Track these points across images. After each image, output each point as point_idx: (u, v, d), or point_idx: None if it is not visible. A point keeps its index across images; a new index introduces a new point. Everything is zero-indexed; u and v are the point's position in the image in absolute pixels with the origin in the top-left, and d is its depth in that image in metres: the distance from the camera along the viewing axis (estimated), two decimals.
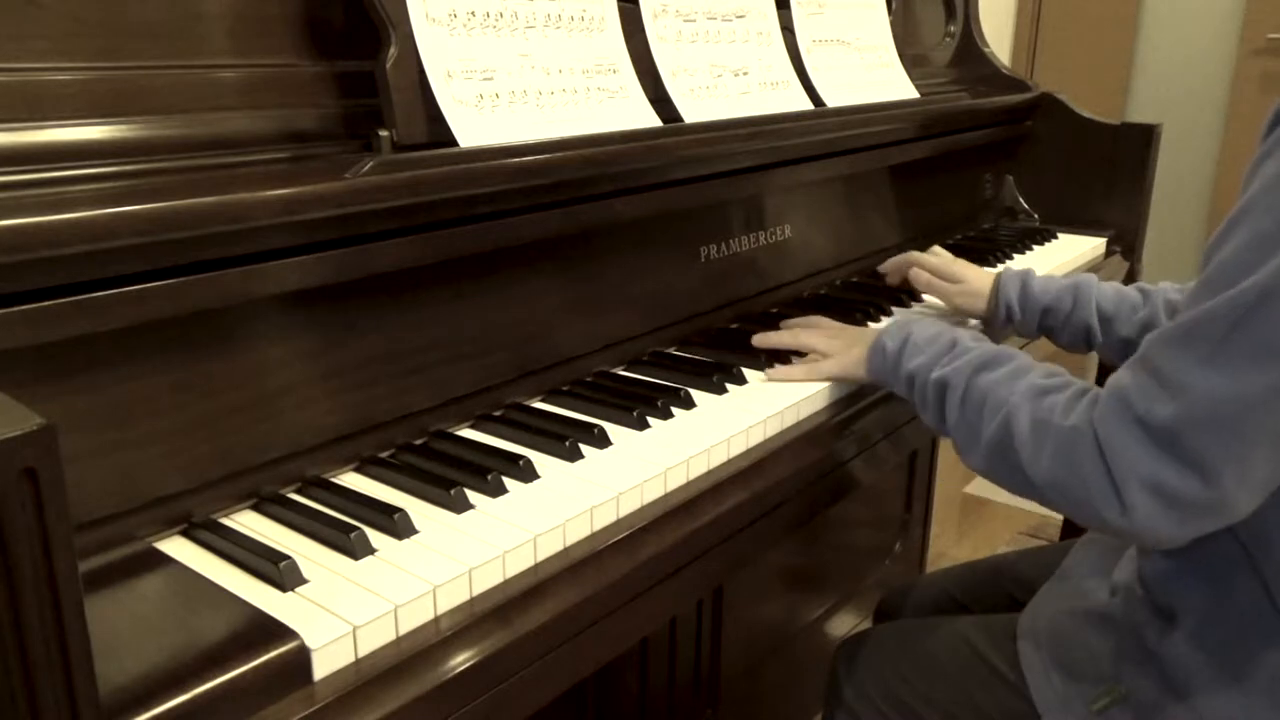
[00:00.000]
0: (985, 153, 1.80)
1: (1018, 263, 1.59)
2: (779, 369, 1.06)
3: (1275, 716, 0.80)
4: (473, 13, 0.93)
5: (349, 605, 0.64)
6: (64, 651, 0.48)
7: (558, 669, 0.73)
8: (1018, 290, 1.21)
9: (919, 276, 1.31)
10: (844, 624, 1.88)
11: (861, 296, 1.37)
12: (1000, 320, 1.23)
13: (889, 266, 1.39)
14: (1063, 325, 1.18)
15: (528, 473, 0.83)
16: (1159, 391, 0.71)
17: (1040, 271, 1.24)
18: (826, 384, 1.05)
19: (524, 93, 0.97)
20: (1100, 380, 1.80)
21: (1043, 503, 0.81)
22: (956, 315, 1.30)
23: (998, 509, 2.69)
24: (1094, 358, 1.84)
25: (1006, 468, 0.83)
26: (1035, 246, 1.69)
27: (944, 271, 1.29)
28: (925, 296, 1.37)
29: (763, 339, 1.12)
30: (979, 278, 1.26)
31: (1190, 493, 0.71)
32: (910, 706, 1.01)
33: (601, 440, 0.89)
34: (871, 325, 1.19)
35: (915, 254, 1.34)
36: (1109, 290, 1.17)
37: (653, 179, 1.06)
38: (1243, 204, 0.71)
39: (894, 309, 1.32)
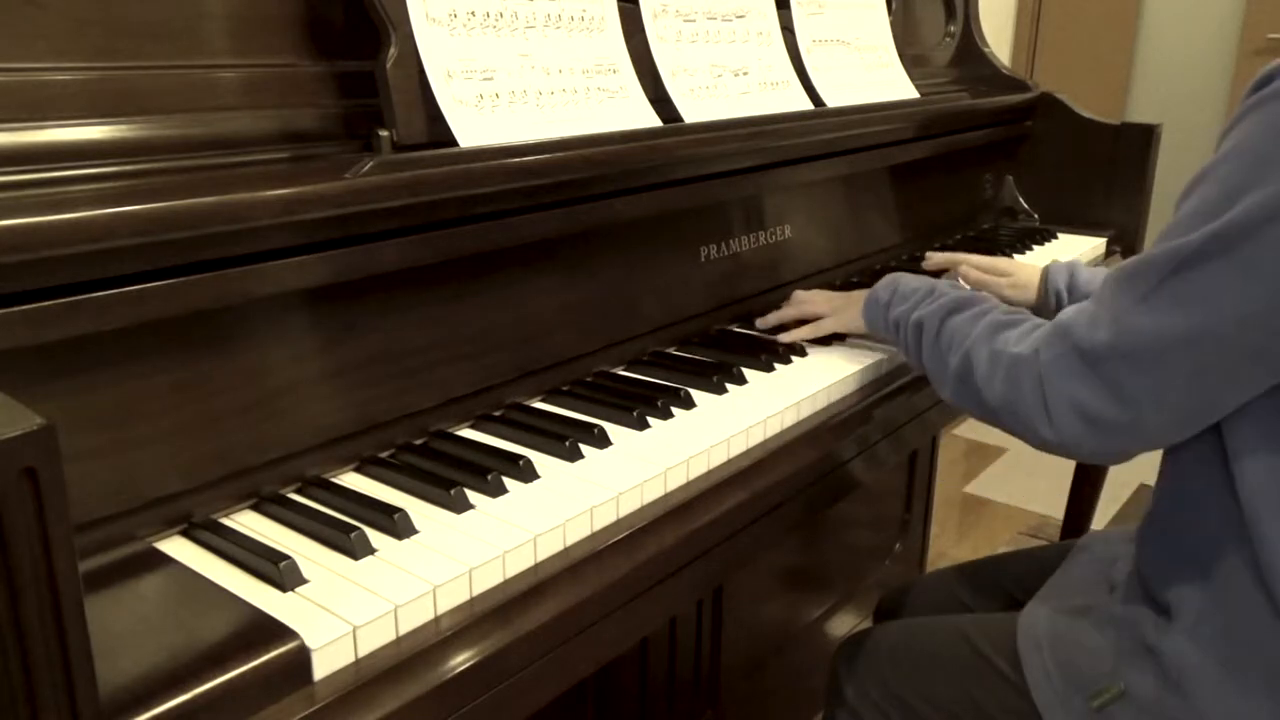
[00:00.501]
0: (985, 153, 1.80)
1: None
2: (788, 333, 1.16)
3: (1275, 713, 0.80)
4: (473, 13, 0.93)
5: (349, 605, 0.64)
6: (64, 651, 0.48)
7: (558, 669, 0.73)
8: (1066, 280, 1.27)
9: (969, 274, 1.37)
10: (844, 624, 1.88)
11: None
12: (1050, 309, 1.27)
13: (933, 262, 1.44)
14: None
15: (528, 473, 0.83)
16: (1099, 321, 0.79)
17: None
18: (826, 384, 1.05)
19: (524, 93, 0.97)
20: None
21: (996, 424, 0.89)
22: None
23: (998, 509, 2.69)
24: None
25: (968, 394, 0.91)
26: (1035, 246, 1.69)
27: (993, 268, 1.37)
28: None
29: (765, 321, 1.21)
30: (1026, 271, 1.33)
31: (1108, 414, 0.78)
32: (911, 706, 1.01)
33: (601, 440, 0.89)
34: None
35: (964, 254, 1.41)
36: None
37: (653, 179, 1.06)
38: (1207, 164, 0.76)
39: None
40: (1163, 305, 0.75)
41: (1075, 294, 1.24)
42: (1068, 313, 0.84)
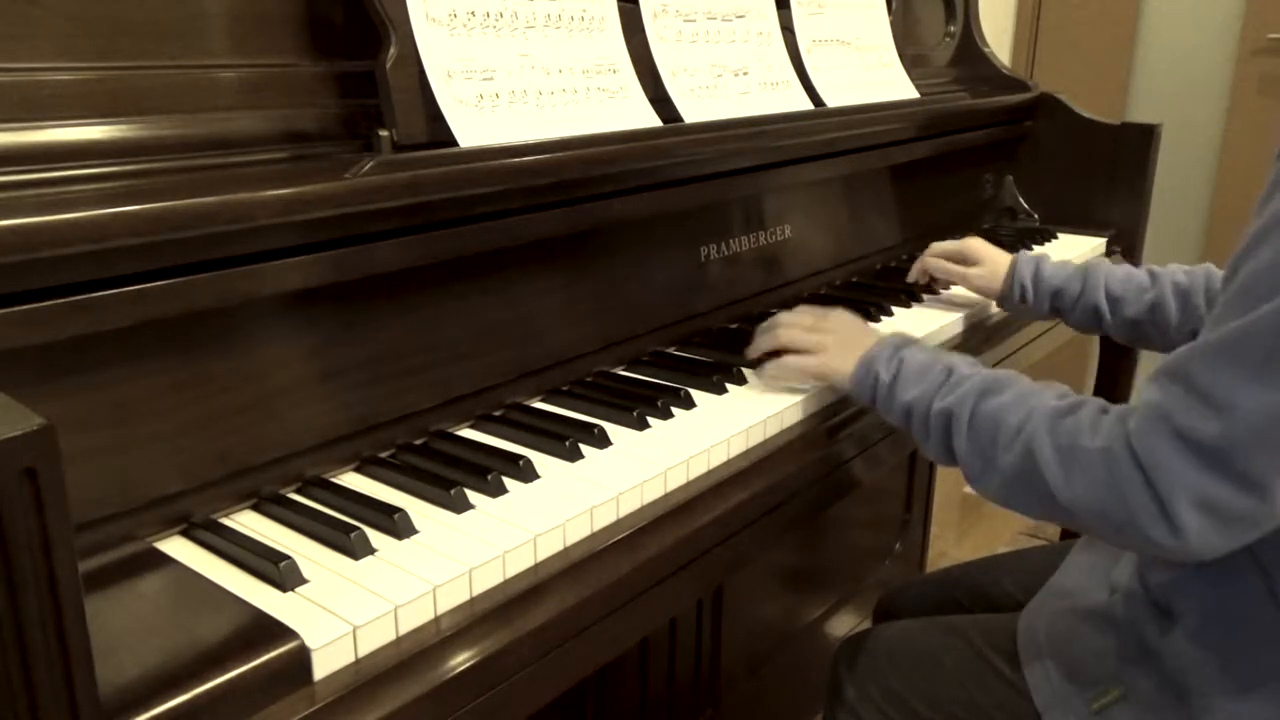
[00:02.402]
0: (985, 153, 1.80)
1: None
2: (767, 366, 1.04)
3: (1276, 715, 0.80)
4: (473, 13, 0.93)
5: (349, 605, 0.64)
6: (64, 652, 0.48)
7: (558, 669, 0.73)
8: (1031, 272, 1.26)
9: (933, 265, 1.35)
10: (844, 624, 1.88)
11: (861, 296, 1.37)
12: (1015, 300, 1.28)
13: (912, 277, 1.41)
14: (1072, 306, 1.24)
15: (528, 473, 0.83)
16: (1203, 408, 0.70)
17: None
18: (826, 385, 1.05)
19: (524, 93, 0.97)
20: (1100, 384, 1.80)
21: (1075, 526, 0.80)
22: (973, 294, 1.35)
23: (998, 509, 2.68)
24: (1093, 357, 1.84)
25: (1031, 495, 0.81)
26: (1035, 246, 1.69)
27: (958, 253, 1.33)
28: (927, 296, 1.38)
29: (752, 351, 1.08)
30: (997, 259, 1.31)
31: (1244, 508, 0.70)
32: (911, 706, 1.01)
33: (601, 440, 0.89)
34: (860, 320, 1.15)
35: (936, 245, 1.39)
36: (1119, 273, 1.21)
37: (653, 179, 1.06)
38: (1270, 217, 0.70)
39: (894, 309, 1.32)
40: (1277, 377, 0.67)
41: (1040, 287, 1.25)
42: (1152, 396, 0.74)
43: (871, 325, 1.16)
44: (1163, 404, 0.72)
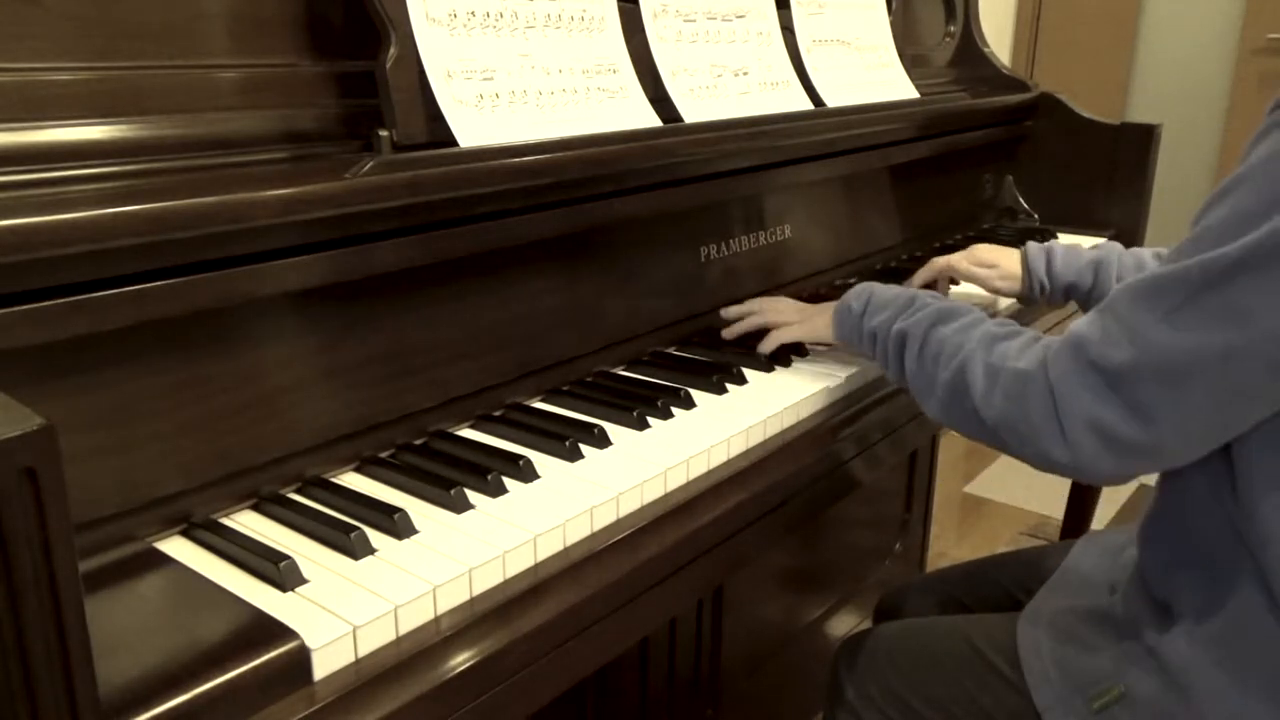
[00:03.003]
0: (985, 153, 1.80)
1: None
2: (759, 346, 1.11)
3: (1276, 715, 0.80)
4: (473, 13, 0.93)
5: (349, 605, 0.64)
6: (64, 651, 0.48)
7: (558, 669, 0.73)
8: (1044, 266, 1.26)
9: (961, 265, 1.34)
10: (844, 624, 1.88)
11: None
12: (1036, 296, 1.28)
13: (920, 279, 1.38)
14: (1086, 298, 1.24)
15: (528, 473, 0.83)
16: (1118, 338, 0.75)
17: None
18: (826, 385, 1.05)
19: (524, 93, 0.97)
20: None
21: (994, 443, 0.85)
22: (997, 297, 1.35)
23: (998, 509, 2.69)
24: None
25: (961, 411, 0.87)
26: None
27: (977, 259, 1.34)
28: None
29: (730, 332, 1.16)
30: (1008, 257, 1.31)
31: (1130, 435, 0.75)
32: (911, 706, 1.01)
33: (601, 440, 0.89)
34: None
35: (941, 259, 1.36)
36: (1129, 260, 1.20)
37: (653, 179, 1.06)
38: (1236, 174, 0.73)
39: None
40: (1191, 322, 0.71)
41: (1054, 278, 1.25)
42: (1078, 326, 0.80)
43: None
44: (1085, 333, 0.78)
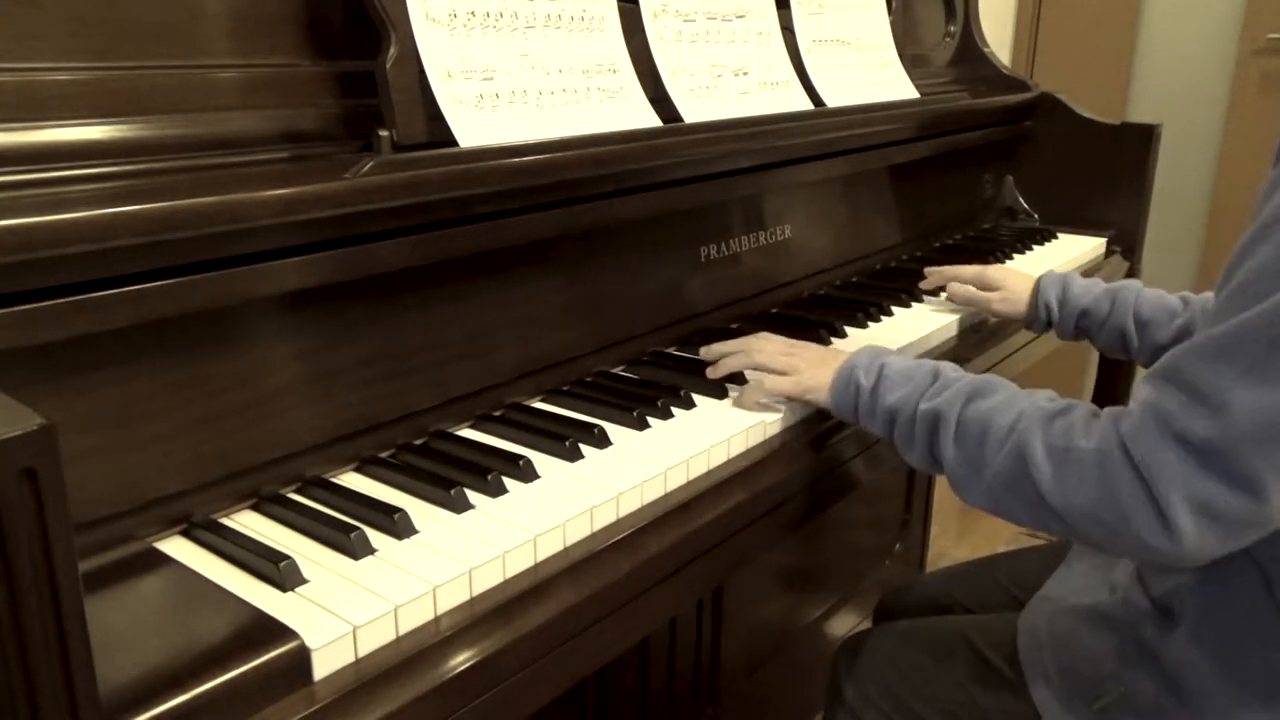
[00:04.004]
0: (985, 153, 1.80)
1: (1017, 263, 1.59)
2: (744, 390, 1.00)
3: (1275, 714, 0.80)
4: (473, 13, 0.93)
5: (349, 605, 0.64)
6: (64, 651, 0.48)
7: (558, 669, 0.73)
8: (1058, 293, 1.22)
9: (956, 290, 1.31)
10: (844, 624, 1.88)
11: (861, 296, 1.37)
12: (1040, 323, 1.25)
13: (930, 283, 1.38)
14: (1099, 328, 1.19)
15: (528, 473, 0.83)
16: (1198, 408, 0.69)
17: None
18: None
19: (524, 93, 0.97)
20: (1098, 389, 1.80)
21: (1067, 532, 0.78)
22: (996, 319, 1.33)
23: None
24: (1092, 362, 1.84)
25: (1021, 499, 0.79)
26: (1035, 246, 1.69)
27: (981, 279, 1.30)
28: (927, 297, 1.38)
29: (715, 371, 1.04)
30: (1019, 282, 1.28)
31: (1239, 509, 0.69)
32: (911, 706, 1.01)
33: (601, 440, 0.89)
34: (834, 343, 1.16)
35: (952, 268, 1.35)
36: (1149, 296, 1.17)
37: (653, 179, 1.06)
38: (1262, 223, 0.69)
39: (894, 309, 1.32)
40: (1275, 375, 0.66)
41: (1067, 307, 1.21)
42: (1148, 396, 0.73)
43: (834, 343, 1.15)
44: (1158, 404, 0.71)
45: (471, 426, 0.94)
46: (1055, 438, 0.77)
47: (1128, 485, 0.71)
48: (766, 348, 1.02)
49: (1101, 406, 0.80)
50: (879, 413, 0.91)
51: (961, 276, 1.32)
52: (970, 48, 1.89)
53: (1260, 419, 0.66)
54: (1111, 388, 1.79)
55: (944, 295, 1.35)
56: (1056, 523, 0.77)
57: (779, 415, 0.98)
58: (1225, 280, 0.72)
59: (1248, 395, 0.67)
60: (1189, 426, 0.69)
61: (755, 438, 0.95)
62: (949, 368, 0.91)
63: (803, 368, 0.99)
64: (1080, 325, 1.21)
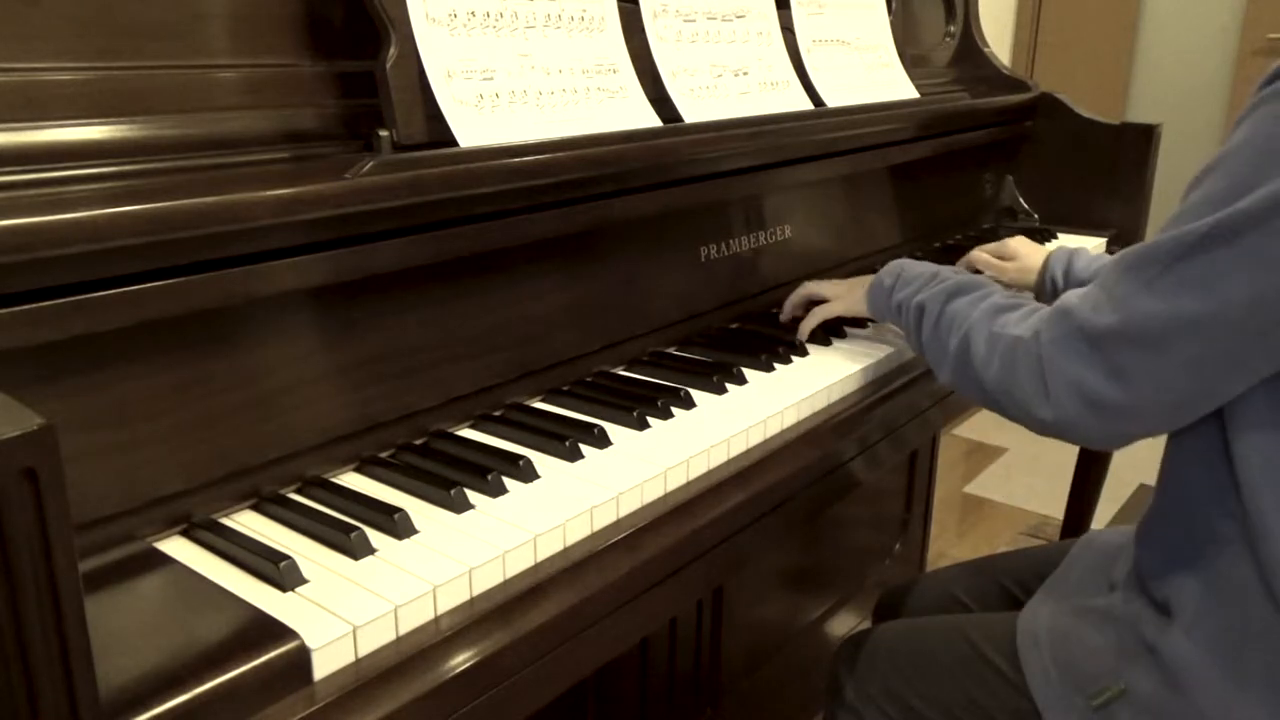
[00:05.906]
0: (985, 153, 1.80)
1: None
2: (801, 324, 1.17)
3: (1275, 712, 0.80)
4: (473, 13, 0.93)
5: (349, 605, 0.64)
6: (64, 651, 0.48)
7: (558, 669, 0.73)
8: (1063, 266, 1.29)
9: (975, 255, 1.41)
10: (844, 624, 1.88)
11: None
12: (1047, 294, 1.31)
13: (966, 262, 1.45)
14: None
15: (528, 473, 0.83)
16: (1104, 305, 0.79)
17: None
18: (826, 384, 1.05)
19: (524, 93, 0.97)
20: None
21: (993, 407, 0.90)
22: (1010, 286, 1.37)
23: (998, 509, 2.69)
24: None
25: (966, 378, 0.93)
26: None
27: (1001, 250, 1.40)
28: None
29: (784, 313, 1.24)
30: (1033, 253, 1.36)
31: (1110, 396, 0.79)
32: (911, 706, 1.01)
33: (601, 440, 0.89)
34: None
35: (978, 248, 1.44)
36: None
37: (653, 179, 1.06)
38: (1219, 154, 0.77)
39: None
40: (1169, 290, 0.75)
41: (1070, 279, 1.27)
42: (1070, 296, 0.84)
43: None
44: (1074, 302, 0.83)
45: (471, 426, 0.94)
46: (996, 326, 0.90)
47: (1028, 366, 0.84)
48: (823, 283, 1.23)
49: None
50: (892, 306, 1.07)
51: (987, 247, 1.42)
52: (970, 48, 1.89)
53: (1146, 325, 0.76)
54: None
55: (959, 263, 1.40)
56: (986, 399, 0.91)
57: (779, 415, 0.98)
58: (1180, 203, 0.79)
59: (1141, 302, 0.77)
60: (1089, 319, 0.80)
61: (755, 438, 0.95)
62: (949, 269, 1.07)
63: (843, 292, 1.19)
64: None
